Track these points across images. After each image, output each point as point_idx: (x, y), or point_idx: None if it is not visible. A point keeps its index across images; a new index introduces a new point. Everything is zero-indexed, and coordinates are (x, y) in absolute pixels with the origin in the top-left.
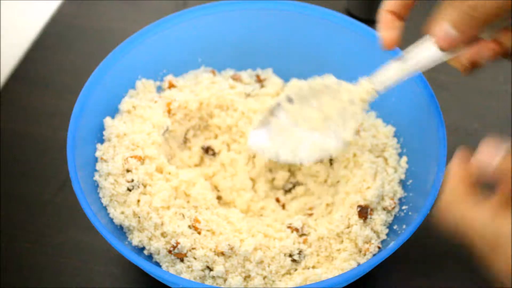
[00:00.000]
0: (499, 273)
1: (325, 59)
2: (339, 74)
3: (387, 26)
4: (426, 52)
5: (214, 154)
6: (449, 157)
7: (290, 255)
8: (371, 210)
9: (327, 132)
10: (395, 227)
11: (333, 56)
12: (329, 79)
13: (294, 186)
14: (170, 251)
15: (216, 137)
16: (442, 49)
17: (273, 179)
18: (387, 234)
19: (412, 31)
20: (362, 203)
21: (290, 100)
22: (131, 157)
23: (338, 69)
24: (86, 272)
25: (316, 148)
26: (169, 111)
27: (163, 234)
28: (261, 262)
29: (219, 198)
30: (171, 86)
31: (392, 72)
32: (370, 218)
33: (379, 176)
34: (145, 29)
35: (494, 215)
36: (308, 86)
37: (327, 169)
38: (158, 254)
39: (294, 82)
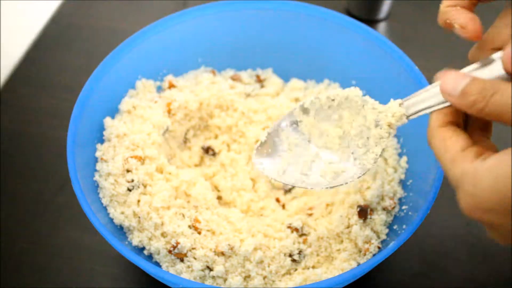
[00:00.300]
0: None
1: (325, 59)
2: (339, 74)
3: (463, 16)
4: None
5: (214, 154)
6: None
7: (290, 255)
8: (371, 210)
9: (345, 152)
10: (395, 227)
11: (333, 56)
12: (353, 92)
13: (294, 186)
14: (170, 251)
15: (216, 137)
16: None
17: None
18: (387, 234)
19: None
20: (362, 203)
21: (305, 111)
22: (131, 157)
23: (338, 69)
24: (86, 272)
25: (329, 171)
26: (169, 111)
27: (163, 234)
28: (261, 262)
29: (219, 198)
30: (171, 86)
31: (428, 97)
32: (370, 218)
33: (379, 176)
34: (145, 29)
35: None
36: (327, 97)
37: None
38: (158, 254)
39: (310, 90)
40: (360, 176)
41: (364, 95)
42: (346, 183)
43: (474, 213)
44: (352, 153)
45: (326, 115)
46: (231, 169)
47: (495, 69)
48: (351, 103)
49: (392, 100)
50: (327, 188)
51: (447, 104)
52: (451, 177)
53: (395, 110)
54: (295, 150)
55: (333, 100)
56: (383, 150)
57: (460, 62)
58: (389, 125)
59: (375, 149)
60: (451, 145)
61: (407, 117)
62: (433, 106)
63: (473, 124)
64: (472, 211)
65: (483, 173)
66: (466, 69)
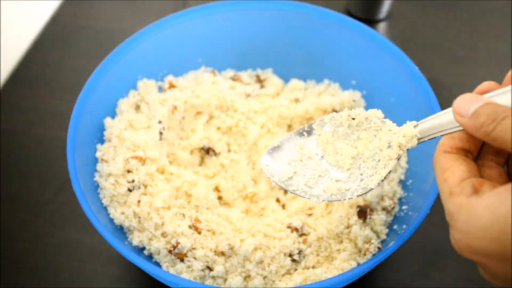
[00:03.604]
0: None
1: (325, 59)
2: (339, 74)
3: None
4: None
5: (214, 154)
6: None
7: (290, 255)
8: (371, 210)
9: (354, 173)
10: (395, 227)
11: (333, 56)
12: (375, 113)
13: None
14: (170, 251)
15: (216, 137)
16: None
17: None
18: (387, 234)
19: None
20: (362, 203)
21: (324, 126)
22: (132, 157)
23: (338, 69)
24: (86, 272)
25: (334, 187)
26: (169, 112)
27: (164, 234)
28: (261, 262)
29: (219, 198)
30: (172, 86)
31: (442, 122)
32: (370, 218)
33: None
34: (145, 29)
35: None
36: (348, 114)
37: None
38: (158, 254)
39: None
40: (359, 195)
41: (364, 95)
42: (344, 199)
43: (464, 253)
44: (361, 174)
45: (344, 133)
46: (232, 170)
47: None
48: (370, 124)
49: (408, 121)
50: (324, 201)
51: (459, 128)
52: (447, 211)
53: (407, 131)
54: (306, 162)
55: (353, 119)
56: (389, 172)
57: (459, 62)
58: (399, 146)
59: (382, 171)
60: (449, 176)
61: (419, 139)
62: (445, 130)
63: (487, 147)
64: (463, 250)
65: (478, 211)
66: (487, 95)
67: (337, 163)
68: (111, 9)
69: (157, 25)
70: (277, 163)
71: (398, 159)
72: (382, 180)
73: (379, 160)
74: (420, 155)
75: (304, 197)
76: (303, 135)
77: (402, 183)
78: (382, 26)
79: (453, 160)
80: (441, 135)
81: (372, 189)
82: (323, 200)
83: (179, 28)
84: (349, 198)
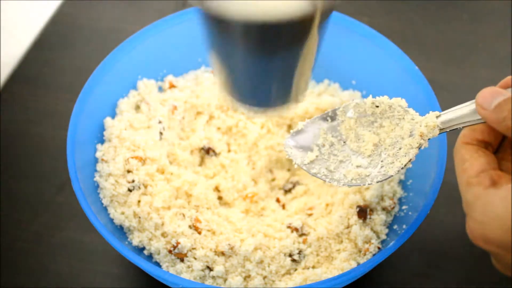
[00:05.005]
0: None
1: (325, 59)
2: (339, 74)
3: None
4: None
5: (215, 154)
6: (449, 157)
7: (290, 255)
8: (371, 210)
9: (375, 160)
10: (395, 227)
11: (333, 56)
12: (398, 101)
13: (294, 186)
14: (170, 251)
15: (216, 137)
16: None
17: (273, 179)
18: (387, 234)
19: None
20: (362, 203)
21: (348, 112)
22: (132, 158)
23: (338, 69)
24: (86, 272)
25: (354, 172)
26: (169, 112)
27: (164, 234)
28: (261, 262)
29: (219, 198)
30: (172, 86)
31: (465, 113)
32: (370, 218)
33: None
34: (145, 29)
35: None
36: (372, 102)
37: None
38: (158, 254)
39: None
40: (379, 181)
41: (364, 95)
42: (364, 184)
43: (479, 242)
44: (382, 161)
45: (367, 121)
46: (232, 170)
47: None
48: (394, 113)
49: (430, 111)
50: (344, 185)
51: (481, 121)
52: (464, 201)
53: (429, 121)
54: (328, 147)
55: (377, 106)
56: (410, 160)
57: (459, 62)
58: (421, 135)
59: (402, 159)
60: (468, 167)
61: (440, 129)
62: (467, 122)
63: (508, 140)
64: (478, 239)
65: (495, 202)
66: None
67: (359, 149)
68: (111, 9)
69: (157, 25)
70: (300, 146)
71: (419, 148)
72: (402, 168)
73: (400, 148)
74: (420, 155)
75: (325, 180)
76: (327, 120)
77: (402, 183)
78: (382, 26)
79: (473, 151)
80: (463, 127)
81: (392, 175)
82: (343, 184)
83: (179, 28)
84: (369, 184)
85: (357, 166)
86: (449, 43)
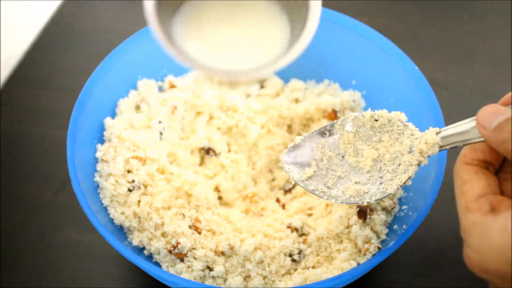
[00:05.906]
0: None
1: (325, 59)
2: (339, 74)
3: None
4: None
5: (215, 155)
6: (449, 157)
7: (290, 255)
8: (371, 210)
9: (374, 176)
10: (395, 227)
11: (333, 56)
12: (397, 115)
13: (294, 186)
14: (170, 251)
15: (216, 138)
16: None
17: (274, 179)
18: (387, 234)
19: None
20: None
21: (347, 126)
22: (132, 158)
23: (338, 69)
24: (86, 272)
25: (353, 189)
26: (169, 112)
27: (164, 234)
28: (261, 262)
29: (219, 198)
30: (172, 86)
31: (465, 130)
32: (370, 218)
33: None
34: (145, 29)
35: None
36: (371, 115)
37: None
38: (158, 254)
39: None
40: (378, 199)
41: (364, 95)
42: (363, 202)
43: (476, 270)
44: (381, 177)
45: (366, 135)
46: (232, 170)
47: None
48: (393, 127)
49: (430, 127)
50: (342, 203)
51: (482, 139)
52: (461, 226)
53: (429, 138)
54: (327, 162)
55: (376, 120)
56: (409, 178)
57: (459, 62)
58: (420, 152)
59: (402, 176)
60: (468, 190)
61: (440, 147)
62: (467, 140)
63: (509, 161)
64: (475, 267)
65: (493, 231)
66: None
67: (358, 164)
68: (111, 9)
69: None
70: (297, 162)
71: (419, 165)
72: (401, 186)
73: (399, 164)
74: None
75: (323, 198)
76: (325, 134)
77: None
78: (382, 26)
79: (473, 173)
80: (463, 145)
81: (391, 194)
82: (341, 202)
83: None
84: (367, 202)
85: (356, 182)
86: (449, 43)
